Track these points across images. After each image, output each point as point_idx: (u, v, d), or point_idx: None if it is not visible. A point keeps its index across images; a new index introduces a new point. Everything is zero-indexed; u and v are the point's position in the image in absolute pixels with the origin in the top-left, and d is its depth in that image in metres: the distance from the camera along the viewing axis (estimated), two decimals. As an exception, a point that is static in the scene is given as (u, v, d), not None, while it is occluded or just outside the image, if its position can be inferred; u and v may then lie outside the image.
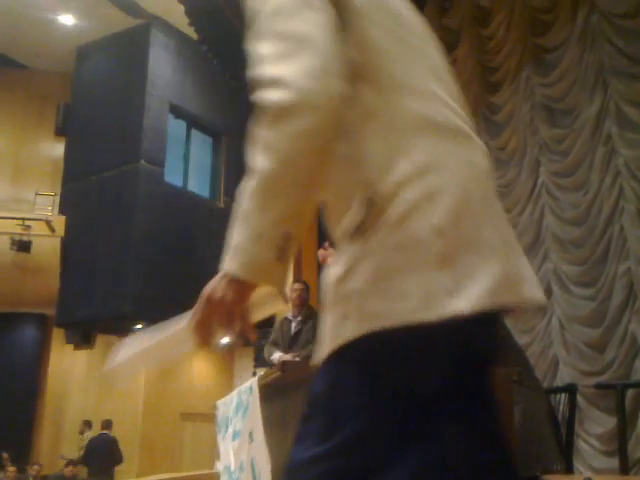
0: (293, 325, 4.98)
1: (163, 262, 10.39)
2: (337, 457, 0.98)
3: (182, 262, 10.66)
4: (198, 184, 12.10)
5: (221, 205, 12.05)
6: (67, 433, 11.23)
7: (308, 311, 5.02)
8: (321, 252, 3.93)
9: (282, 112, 0.97)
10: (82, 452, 9.74)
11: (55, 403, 11.66)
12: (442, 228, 0.95)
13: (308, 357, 4.56)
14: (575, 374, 4.79)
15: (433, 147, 1.02)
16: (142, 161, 10.73)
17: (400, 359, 0.97)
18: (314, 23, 0.99)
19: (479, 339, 1.02)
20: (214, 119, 12.17)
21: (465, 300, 0.92)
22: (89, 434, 10.15)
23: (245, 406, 2.35)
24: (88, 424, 10.26)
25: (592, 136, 5.11)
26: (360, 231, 1.00)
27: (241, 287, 1.03)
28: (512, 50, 5.96)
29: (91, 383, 11.49)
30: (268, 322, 8.24)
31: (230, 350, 12.29)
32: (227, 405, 2.96)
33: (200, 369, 11.97)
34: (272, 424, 2.09)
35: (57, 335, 11.86)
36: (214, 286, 1.07)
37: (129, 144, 10.85)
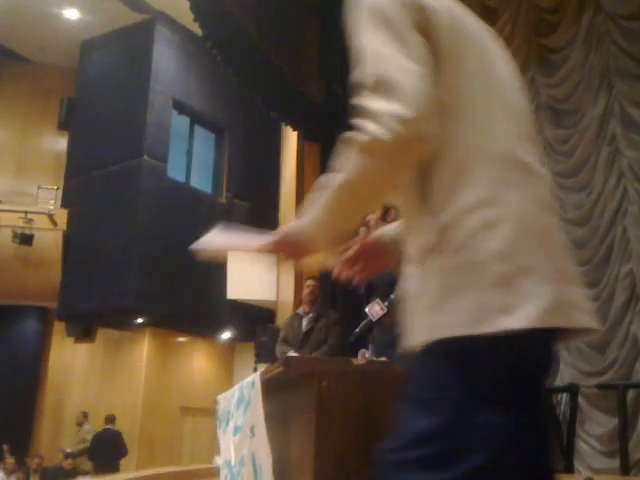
0: (305, 322, 4.93)
1: (165, 257, 10.41)
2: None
3: (183, 257, 10.62)
4: (200, 180, 12.12)
5: (223, 201, 12.07)
6: (67, 426, 11.25)
7: (320, 309, 4.98)
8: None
9: (368, 148, 1.12)
10: (82, 445, 9.79)
11: (55, 396, 11.69)
12: (499, 253, 1.09)
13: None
14: (576, 374, 4.78)
15: (499, 182, 1.15)
16: (145, 156, 10.75)
17: (462, 367, 1.09)
18: (411, 72, 1.13)
19: (533, 354, 1.13)
20: (217, 115, 12.19)
21: (516, 319, 1.04)
22: (87, 427, 10.18)
23: (247, 401, 2.35)
24: (85, 415, 10.29)
25: (596, 137, 5.11)
26: (430, 252, 1.15)
27: (299, 246, 1.31)
28: (517, 50, 5.95)
29: (91, 377, 11.53)
30: (270, 320, 8.22)
31: (230, 346, 12.31)
32: (228, 400, 2.97)
33: (200, 364, 12.00)
34: (273, 419, 2.10)
35: (58, 328, 11.89)
36: (288, 232, 1.32)
37: (132, 139, 10.87)
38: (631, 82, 5.02)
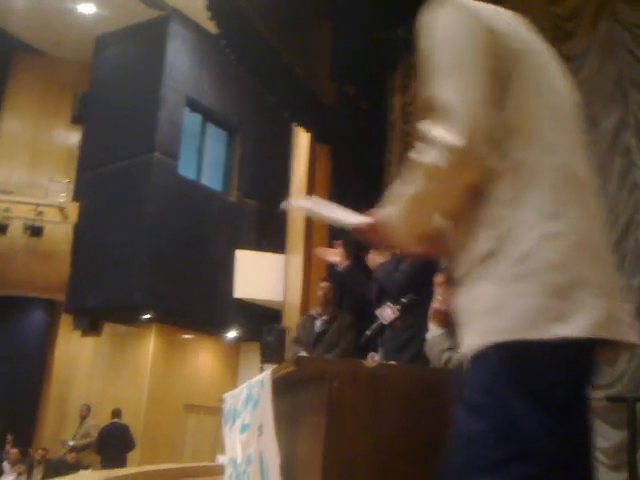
0: (318, 324, 4.91)
1: (173, 254, 10.44)
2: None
3: (192, 254, 10.71)
4: (211, 178, 12.15)
5: (233, 199, 12.09)
6: (71, 419, 11.28)
7: (334, 311, 4.97)
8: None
9: (427, 172, 1.26)
10: (86, 440, 9.83)
11: (60, 389, 11.74)
12: (558, 265, 1.17)
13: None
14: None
15: (561, 197, 1.23)
16: (156, 153, 10.78)
17: (515, 371, 1.16)
18: (470, 100, 1.23)
19: (581, 363, 1.22)
20: (229, 114, 12.21)
21: (570, 328, 1.12)
22: (91, 421, 10.21)
23: (255, 399, 2.36)
24: (89, 408, 10.32)
25: (610, 147, 5.08)
26: (487, 260, 1.23)
27: (383, 234, 1.45)
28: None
29: (97, 371, 11.56)
30: (276, 321, 8.20)
31: (236, 345, 12.33)
32: (235, 398, 2.97)
33: (205, 362, 12.02)
34: (281, 419, 2.10)
35: (65, 321, 11.94)
36: (379, 219, 1.45)
37: (144, 135, 10.91)
38: (646, 92, 5.00)
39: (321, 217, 1.65)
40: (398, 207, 1.39)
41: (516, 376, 1.15)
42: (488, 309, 1.20)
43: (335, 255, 3.84)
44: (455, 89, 1.23)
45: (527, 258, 1.18)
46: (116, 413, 9.87)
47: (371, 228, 1.48)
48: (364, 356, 2.62)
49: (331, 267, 3.91)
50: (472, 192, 1.28)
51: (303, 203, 1.68)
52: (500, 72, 1.27)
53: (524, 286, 1.16)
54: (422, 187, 1.29)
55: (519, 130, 1.27)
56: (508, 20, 1.38)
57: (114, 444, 9.52)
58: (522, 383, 1.15)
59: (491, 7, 1.36)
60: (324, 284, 5.05)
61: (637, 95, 5.03)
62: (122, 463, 9.21)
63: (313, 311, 5.08)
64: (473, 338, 1.22)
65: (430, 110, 1.25)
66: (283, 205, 1.73)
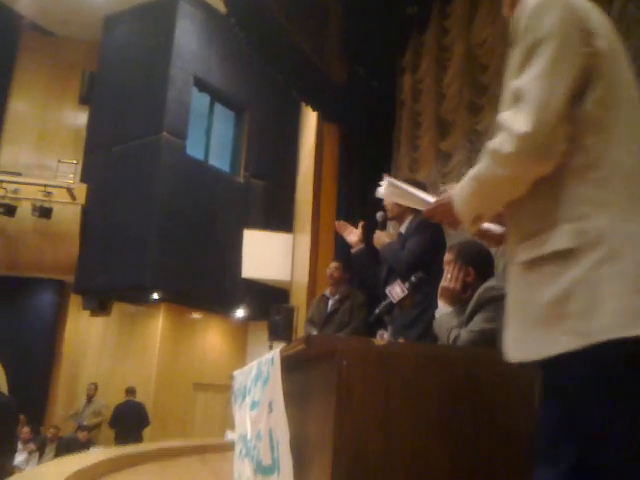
0: (330, 303, 4.94)
1: (182, 234, 10.46)
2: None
3: (200, 235, 10.73)
4: (219, 158, 12.13)
5: (241, 180, 12.08)
6: (81, 397, 11.37)
7: (346, 290, 4.98)
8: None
9: (494, 157, 1.28)
10: (98, 419, 9.98)
11: (70, 368, 11.85)
12: None
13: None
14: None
15: (637, 197, 1.25)
16: (164, 133, 10.76)
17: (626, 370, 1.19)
18: (553, 92, 1.25)
19: None
20: (237, 94, 12.15)
21: None
22: (102, 400, 10.33)
23: (265, 377, 2.37)
24: (96, 387, 10.44)
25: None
26: (565, 257, 1.24)
27: (452, 214, 1.47)
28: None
29: (106, 350, 11.66)
30: (284, 300, 8.26)
31: (244, 324, 12.39)
32: (245, 375, 2.99)
33: (214, 341, 12.09)
34: (291, 397, 2.11)
35: (74, 301, 12.01)
36: (449, 200, 1.47)
37: (152, 115, 10.88)
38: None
39: (401, 197, 1.67)
40: (465, 187, 1.41)
41: (618, 375, 1.18)
42: (581, 310, 1.20)
43: (354, 234, 3.79)
44: (540, 80, 1.25)
45: (617, 258, 1.19)
46: (130, 391, 10.00)
47: (443, 207, 1.50)
48: (373, 334, 2.63)
49: (340, 248, 3.89)
50: (547, 184, 1.28)
51: (388, 185, 1.68)
52: (587, 68, 1.29)
53: (617, 286, 1.18)
54: (487, 171, 1.32)
55: (602, 126, 1.29)
56: (598, 17, 1.38)
57: (130, 421, 9.68)
58: (623, 383, 1.17)
59: (586, 2, 1.37)
60: (333, 264, 5.06)
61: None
62: (138, 439, 9.34)
63: (327, 291, 5.11)
64: (568, 339, 1.21)
65: (515, 99, 1.28)
66: (379, 192, 1.71)
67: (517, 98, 1.27)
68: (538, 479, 1.26)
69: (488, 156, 1.30)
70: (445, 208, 1.49)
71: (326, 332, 4.56)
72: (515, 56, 1.35)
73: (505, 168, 1.27)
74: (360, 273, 4.07)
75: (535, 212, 1.33)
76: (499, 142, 1.26)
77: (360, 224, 3.87)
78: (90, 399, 10.32)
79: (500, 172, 1.29)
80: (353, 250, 3.80)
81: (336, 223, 4.01)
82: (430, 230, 3.42)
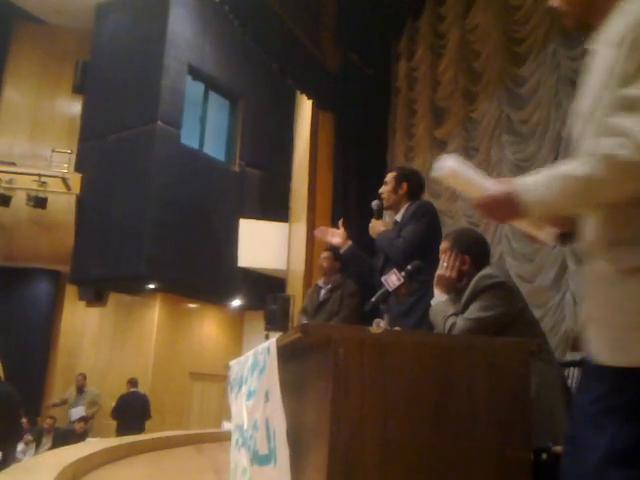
0: (322, 292, 4.96)
1: (177, 223, 10.44)
2: None
3: (196, 224, 10.72)
4: (214, 147, 12.09)
5: (236, 169, 12.05)
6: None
7: (338, 279, 4.99)
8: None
9: (602, 159, 1.25)
10: (95, 408, 9.97)
11: (67, 358, 11.85)
12: None
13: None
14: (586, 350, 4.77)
15: None
16: (159, 122, 10.72)
17: None
18: None
19: None
20: (232, 82, 12.10)
21: None
22: (95, 390, 10.31)
23: (262, 366, 2.36)
24: (85, 377, 10.40)
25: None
26: None
27: (511, 209, 1.38)
28: (539, 22, 5.84)
29: (102, 340, 11.66)
30: (280, 289, 8.25)
31: (240, 313, 12.40)
32: (241, 365, 2.98)
33: (210, 331, 12.10)
34: (288, 386, 2.11)
35: (70, 292, 12.01)
36: (509, 192, 1.38)
37: (146, 104, 10.83)
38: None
39: (459, 181, 1.54)
40: (550, 184, 1.34)
41: None
42: None
43: (336, 236, 3.78)
44: None
45: None
46: (132, 382, 9.99)
47: (502, 199, 1.39)
48: (369, 323, 2.62)
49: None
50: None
51: (448, 165, 1.55)
52: None
53: None
54: (592, 173, 1.27)
55: None
56: None
57: (133, 412, 9.70)
58: None
59: None
60: (325, 254, 5.08)
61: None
62: (140, 431, 9.35)
63: (320, 281, 5.12)
64: None
65: (631, 107, 1.26)
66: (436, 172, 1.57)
67: (635, 104, 1.26)
68: None
69: (596, 159, 1.26)
70: (505, 201, 1.38)
71: (316, 321, 4.57)
72: (621, 61, 1.32)
73: (618, 174, 1.25)
74: (355, 268, 4.07)
75: (633, 217, 1.32)
76: (613, 147, 1.23)
77: (340, 222, 3.87)
78: (81, 389, 10.27)
79: (611, 177, 1.25)
80: (342, 250, 3.80)
81: (315, 232, 4.03)
82: (426, 218, 3.42)
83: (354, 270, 4.36)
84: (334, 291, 4.87)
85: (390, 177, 3.66)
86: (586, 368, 1.42)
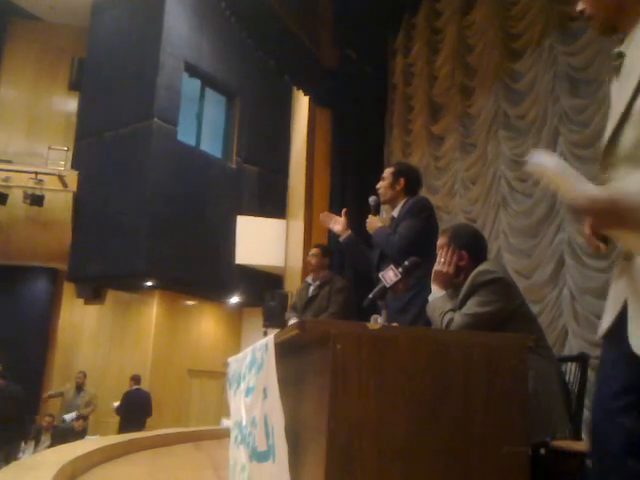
0: (311, 289, 5.01)
1: (174, 220, 10.43)
2: None
3: (193, 221, 10.70)
4: (211, 144, 12.07)
5: (233, 165, 12.03)
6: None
7: (327, 276, 5.02)
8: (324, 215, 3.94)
9: None
10: (90, 408, 9.99)
11: (65, 356, 11.84)
12: None
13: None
14: (584, 345, 4.79)
15: None
16: (155, 119, 10.68)
17: None
18: None
19: None
20: (228, 79, 12.07)
21: None
22: (91, 388, 10.32)
23: (259, 363, 2.37)
24: (85, 375, 10.41)
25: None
26: None
27: (617, 218, 1.29)
28: (536, 17, 5.84)
29: (101, 338, 11.65)
30: (278, 286, 8.24)
31: (238, 310, 12.40)
32: (239, 362, 2.98)
33: (208, 328, 12.10)
34: (286, 382, 2.11)
35: (68, 289, 11.99)
36: (616, 200, 1.29)
37: (143, 101, 10.80)
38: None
39: (558, 179, 1.45)
40: None
41: None
42: None
43: (338, 223, 3.78)
44: None
45: None
46: (136, 379, 10.03)
47: (607, 205, 1.29)
48: (367, 319, 2.62)
49: (333, 232, 3.86)
50: None
51: (548, 160, 1.47)
52: None
53: None
54: None
55: None
56: None
57: (137, 409, 9.75)
58: None
59: None
60: (314, 250, 5.12)
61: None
62: (142, 428, 9.38)
63: (309, 278, 5.16)
64: None
65: None
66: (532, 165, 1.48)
67: None
68: None
69: None
70: (610, 206, 1.28)
71: (305, 317, 4.59)
72: None
73: None
74: (352, 259, 4.06)
75: None
76: None
77: (343, 211, 3.86)
78: (80, 388, 10.28)
79: None
80: (341, 239, 3.79)
81: (320, 215, 3.99)
82: (422, 214, 3.42)
83: (351, 260, 4.37)
84: (322, 287, 4.92)
85: (388, 172, 3.65)
86: (615, 357, 1.43)
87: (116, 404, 9.89)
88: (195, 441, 5.95)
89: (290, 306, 5.23)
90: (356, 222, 3.84)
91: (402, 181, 3.58)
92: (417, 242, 3.25)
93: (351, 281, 8.01)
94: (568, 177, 1.39)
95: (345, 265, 8.09)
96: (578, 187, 1.35)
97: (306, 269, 8.73)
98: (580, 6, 1.61)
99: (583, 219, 1.45)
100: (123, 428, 9.37)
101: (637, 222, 1.27)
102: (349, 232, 3.75)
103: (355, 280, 7.81)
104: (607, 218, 1.31)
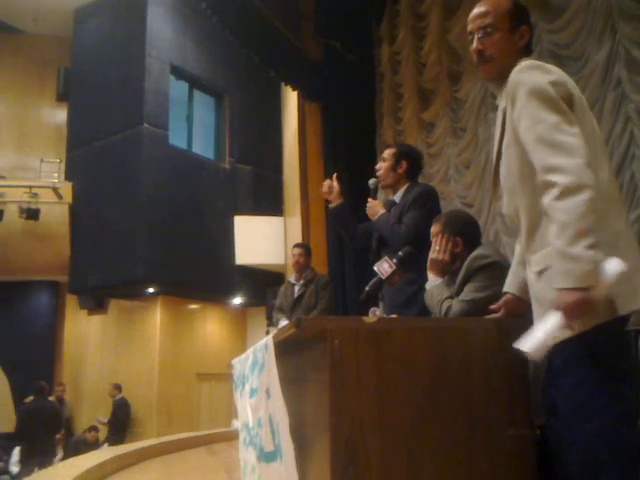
0: (296, 289, 5.08)
1: (171, 225, 10.41)
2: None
3: (191, 224, 10.69)
4: (202, 146, 12.04)
5: (226, 166, 12.01)
6: (86, 396, 11.45)
7: (310, 274, 5.08)
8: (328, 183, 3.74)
9: (565, 190, 1.55)
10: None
11: (73, 368, 11.85)
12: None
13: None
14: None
15: (614, 213, 1.68)
16: (145, 124, 10.65)
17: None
18: (575, 135, 1.60)
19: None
20: (216, 79, 12.03)
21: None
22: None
23: (261, 363, 2.37)
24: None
25: (601, 82, 5.00)
26: None
27: (590, 304, 1.60)
28: (518, -4, 5.81)
29: (106, 347, 11.65)
30: (279, 283, 8.20)
31: (242, 310, 12.40)
32: (243, 363, 2.98)
33: (213, 330, 12.10)
34: (288, 381, 2.11)
35: (70, 301, 11.98)
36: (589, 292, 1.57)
37: (131, 107, 10.76)
38: (636, 24, 4.87)
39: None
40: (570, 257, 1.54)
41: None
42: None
43: (332, 191, 3.62)
44: (560, 128, 1.64)
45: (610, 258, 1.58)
46: (118, 387, 10.15)
47: (573, 308, 1.55)
48: (365, 311, 2.61)
49: (331, 225, 3.84)
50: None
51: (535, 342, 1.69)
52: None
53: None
54: (565, 213, 1.55)
55: None
56: None
57: (124, 418, 9.81)
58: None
59: None
60: (298, 250, 5.16)
61: (626, 27, 4.92)
62: (124, 437, 9.45)
63: (292, 278, 5.18)
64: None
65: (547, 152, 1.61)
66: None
67: (556, 147, 1.59)
68: None
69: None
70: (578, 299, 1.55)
71: (294, 316, 4.59)
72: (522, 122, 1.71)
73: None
74: (340, 228, 3.87)
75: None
76: (563, 182, 1.56)
77: (334, 176, 3.70)
78: (61, 401, 10.30)
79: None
80: (331, 205, 3.65)
81: (324, 184, 3.78)
82: (428, 205, 3.31)
83: (338, 229, 4.35)
84: (308, 285, 4.99)
85: (388, 153, 3.48)
86: None
87: (103, 419, 9.97)
88: (207, 445, 5.96)
89: (276, 307, 5.24)
90: (341, 191, 3.71)
91: (404, 164, 3.42)
92: (423, 234, 3.18)
93: (350, 271, 8.05)
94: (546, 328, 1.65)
95: (346, 256, 8.10)
96: (555, 324, 1.63)
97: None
98: (478, 45, 1.84)
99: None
100: (110, 441, 9.44)
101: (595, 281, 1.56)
102: (340, 200, 3.61)
103: (355, 270, 7.83)
104: (576, 309, 1.56)
